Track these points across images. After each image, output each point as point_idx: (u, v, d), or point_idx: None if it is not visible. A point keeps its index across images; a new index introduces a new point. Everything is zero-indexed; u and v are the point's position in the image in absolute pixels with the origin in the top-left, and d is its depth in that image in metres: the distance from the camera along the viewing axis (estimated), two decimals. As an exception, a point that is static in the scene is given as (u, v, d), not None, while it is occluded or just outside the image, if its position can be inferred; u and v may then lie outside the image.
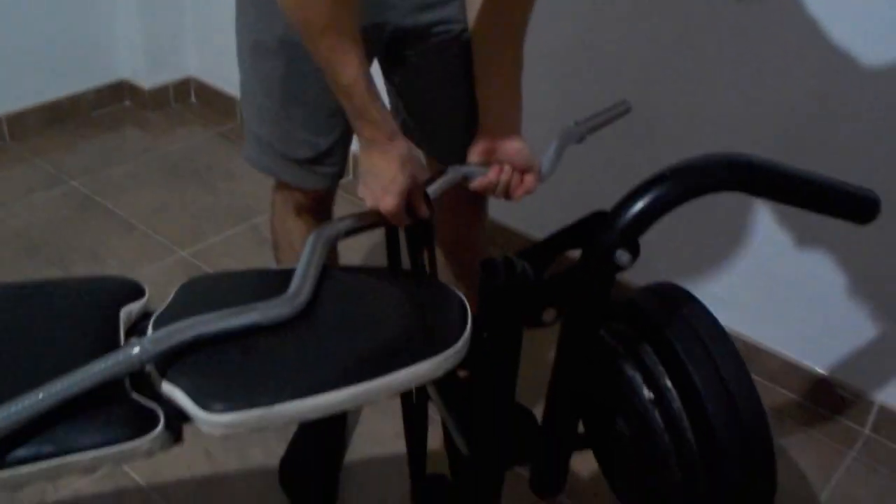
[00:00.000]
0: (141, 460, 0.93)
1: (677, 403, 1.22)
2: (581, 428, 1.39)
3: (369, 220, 1.22)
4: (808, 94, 1.68)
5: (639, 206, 1.11)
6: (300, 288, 1.06)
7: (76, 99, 2.81)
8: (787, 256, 1.82)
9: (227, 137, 2.80)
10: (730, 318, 1.92)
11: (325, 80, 1.15)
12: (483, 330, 1.13)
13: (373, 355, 1.01)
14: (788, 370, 1.91)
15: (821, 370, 1.87)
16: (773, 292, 1.87)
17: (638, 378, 1.26)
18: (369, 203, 1.20)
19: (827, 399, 1.88)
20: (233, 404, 0.94)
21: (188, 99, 3.00)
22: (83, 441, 0.88)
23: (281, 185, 1.49)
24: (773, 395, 1.92)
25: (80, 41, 2.77)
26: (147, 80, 2.88)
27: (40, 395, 0.86)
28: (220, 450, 1.69)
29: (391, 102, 1.50)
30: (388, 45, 1.36)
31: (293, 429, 1.69)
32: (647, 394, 1.24)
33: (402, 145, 1.19)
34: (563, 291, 1.15)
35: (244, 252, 2.25)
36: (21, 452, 0.86)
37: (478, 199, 1.54)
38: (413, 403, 1.40)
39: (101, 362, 0.92)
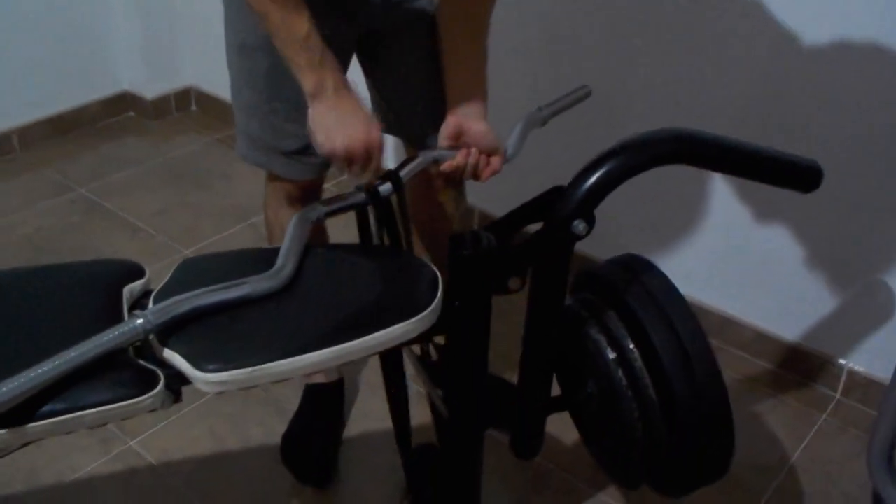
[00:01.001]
0: (143, 414, 1.03)
1: (639, 363, 1.33)
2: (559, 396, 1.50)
3: (344, 204, 1.32)
4: (758, 73, 1.78)
5: (593, 179, 1.21)
6: (285, 263, 1.17)
7: (81, 111, 2.93)
8: (754, 230, 1.93)
9: (226, 143, 2.92)
10: (703, 293, 2.04)
11: (281, 48, 1.25)
12: (454, 298, 1.24)
13: (350, 320, 1.12)
14: (761, 340, 2.01)
15: (792, 338, 1.97)
16: (743, 266, 1.97)
17: (603, 341, 1.36)
18: (356, 145, 1.27)
19: (798, 366, 1.98)
20: (225, 365, 1.04)
21: (189, 107, 3.12)
22: (93, 399, 0.99)
23: (272, 178, 1.60)
24: (746, 364, 2.02)
25: (83, 55, 2.89)
26: (148, 91, 3.01)
27: (56, 362, 0.97)
28: (224, 429, 1.80)
29: (371, 98, 1.61)
30: (364, 39, 1.47)
31: (293, 408, 1.80)
32: (611, 354, 1.35)
33: (355, 90, 1.29)
34: (526, 260, 1.26)
35: (244, 249, 2.37)
36: (39, 409, 0.97)
37: (451, 183, 1.64)
38: (393, 374, 1.51)
39: (109, 333, 1.03)
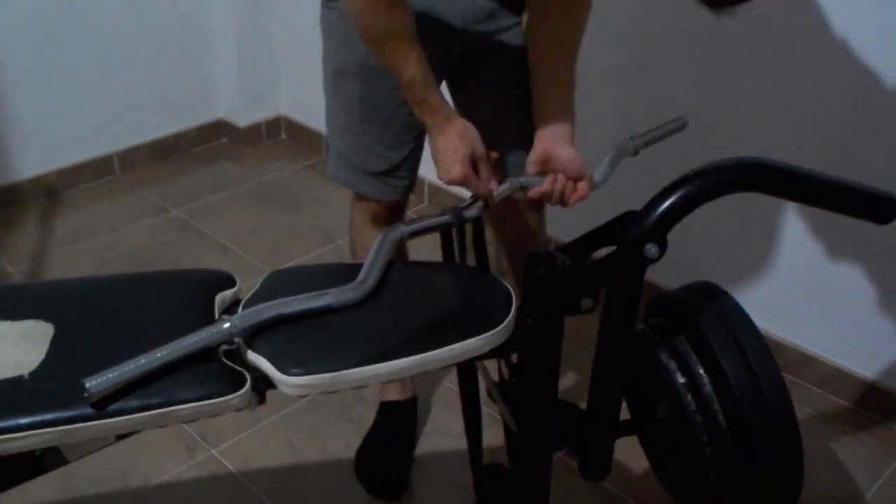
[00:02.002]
0: (227, 422, 1.10)
1: (708, 387, 1.35)
2: (627, 418, 1.52)
3: (429, 224, 1.38)
4: (843, 105, 1.79)
5: (666, 204, 1.25)
6: (367, 276, 1.23)
7: (179, 137, 3.09)
8: (834, 266, 1.92)
9: (314, 169, 3.03)
10: (781, 328, 2.03)
11: (396, 95, 1.34)
12: (528, 316, 1.28)
13: (427, 332, 1.18)
14: (838, 377, 1.99)
15: (870, 376, 1.95)
16: (822, 302, 1.96)
17: (673, 365, 1.38)
18: (443, 177, 1.36)
19: (876, 404, 1.95)
20: (308, 369, 1.11)
21: (279, 135, 3.25)
22: (186, 395, 1.06)
23: (358, 198, 1.68)
24: (824, 401, 2.00)
25: (183, 86, 3.05)
26: (242, 119, 3.15)
27: (156, 355, 1.05)
28: (302, 442, 1.87)
29: None
30: (454, 68, 1.54)
31: (369, 423, 1.86)
32: (681, 379, 1.37)
33: (460, 123, 1.36)
34: (598, 281, 1.30)
35: (327, 271, 2.45)
36: (135, 402, 1.05)
37: (536, 207, 1.69)
38: (468, 390, 1.55)
39: (199, 333, 1.11)
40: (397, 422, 1.85)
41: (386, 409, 1.86)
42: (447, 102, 1.37)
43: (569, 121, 1.47)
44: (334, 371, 1.11)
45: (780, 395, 1.32)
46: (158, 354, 1.06)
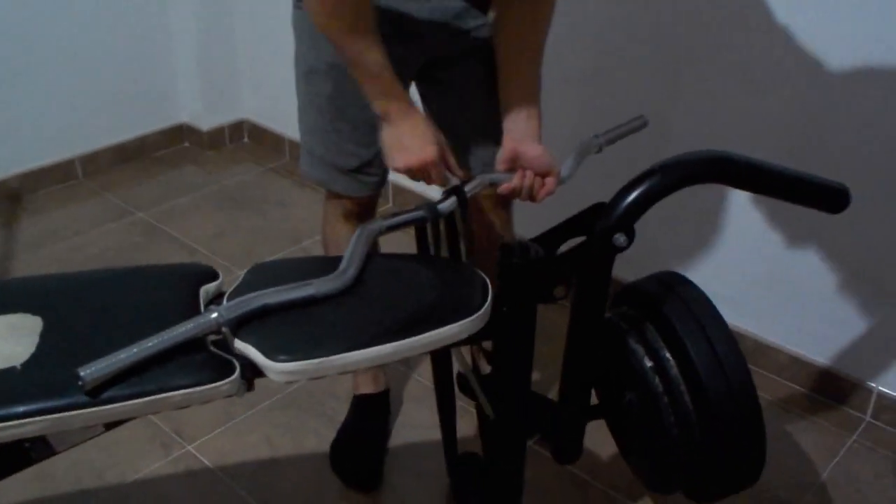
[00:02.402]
0: (222, 399, 1.14)
1: (675, 370, 1.41)
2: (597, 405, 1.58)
3: (405, 219, 1.43)
4: (795, 102, 1.88)
5: (633, 195, 1.31)
6: (347, 267, 1.27)
7: (141, 141, 3.10)
8: (787, 257, 2.01)
9: (278, 172, 3.06)
10: (738, 318, 2.11)
11: (354, 75, 1.38)
12: (503, 305, 1.33)
13: (408, 319, 1.22)
14: (794, 364, 2.07)
15: (824, 362, 2.04)
16: (776, 292, 2.05)
17: (641, 350, 1.45)
18: (414, 162, 1.39)
19: (830, 389, 2.04)
20: (294, 356, 1.14)
21: (242, 139, 3.27)
22: (177, 382, 1.09)
23: (330, 196, 1.72)
24: (780, 388, 2.08)
25: (145, 90, 3.06)
26: (205, 123, 3.16)
27: (146, 344, 1.08)
28: (278, 437, 1.90)
29: None
30: (422, 71, 1.59)
31: (342, 418, 1.90)
32: (649, 363, 1.43)
33: (422, 112, 1.41)
34: (570, 270, 1.35)
35: (295, 271, 2.48)
36: (129, 390, 1.07)
37: (503, 205, 1.74)
38: (442, 377, 1.60)
39: (188, 323, 1.14)
40: (371, 414, 1.89)
41: (359, 402, 1.90)
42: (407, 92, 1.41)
43: (535, 119, 1.53)
44: (320, 357, 1.15)
45: (742, 376, 1.39)
46: (150, 343, 1.09)
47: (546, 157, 1.49)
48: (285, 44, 3.28)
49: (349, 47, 1.35)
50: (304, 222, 2.73)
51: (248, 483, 1.78)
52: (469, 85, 1.61)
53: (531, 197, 1.52)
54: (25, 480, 1.75)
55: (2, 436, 1.04)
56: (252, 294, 1.20)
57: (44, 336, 1.15)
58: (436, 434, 1.88)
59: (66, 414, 1.05)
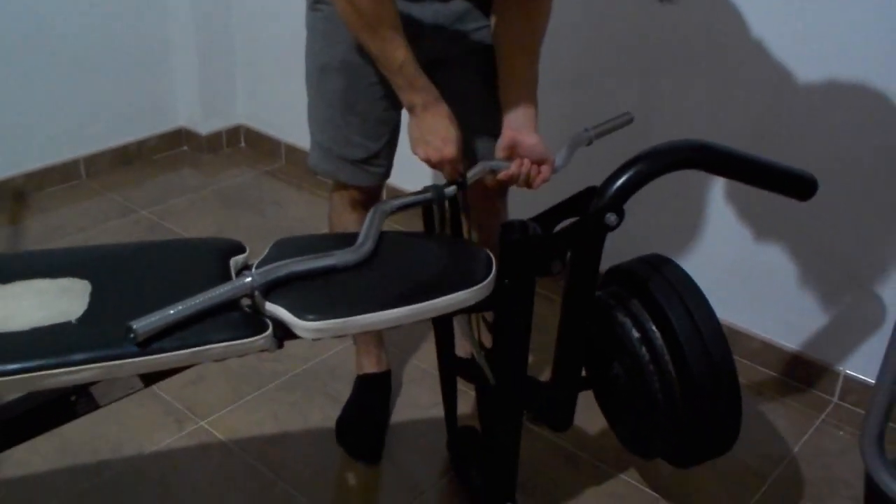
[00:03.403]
0: (258, 354, 1.26)
1: (660, 341, 1.55)
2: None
3: (414, 200, 1.56)
4: (765, 98, 2.04)
5: (622, 179, 1.45)
6: (364, 241, 1.40)
7: (142, 144, 3.21)
8: (758, 246, 2.16)
9: (274, 175, 3.18)
10: (714, 306, 2.25)
11: (375, 90, 1.51)
12: (504, 278, 1.47)
13: (421, 286, 1.35)
14: (766, 350, 2.22)
15: (794, 347, 2.19)
16: (749, 280, 2.20)
17: (628, 323, 1.58)
18: (433, 156, 1.54)
19: (800, 373, 2.19)
20: (321, 315, 1.27)
21: (238, 143, 3.39)
22: (218, 336, 1.21)
23: (337, 187, 1.84)
24: (752, 372, 2.23)
25: (146, 95, 3.18)
26: (203, 128, 3.28)
27: (190, 303, 1.20)
28: (285, 414, 2.01)
29: None
30: (425, 69, 1.72)
31: (345, 398, 2.01)
32: (636, 334, 1.57)
33: (446, 105, 1.55)
34: (565, 246, 1.49)
35: (294, 266, 2.61)
36: (175, 343, 1.19)
37: (500, 192, 1.88)
38: (445, 356, 1.73)
39: (225, 286, 1.26)
40: (374, 392, 2.01)
41: (363, 381, 2.02)
42: (432, 84, 1.55)
43: (532, 111, 1.66)
44: (345, 317, 1.28)
45: (720, 346, 1.53)
46: (195, 301, 1.21)
47: (541, 146, 1.62)
48: (281, 53, 3.43)
49: (372, 42, 1.48)
50: (300, 221, 2.85)
51: (259, 455, 1.89)
52: (468, 84, 1.74)
53: (528, 184, 1.65)
54: (46, 451, 1.85)
55: (60, 381, 1.15)
56: (280, 262, 1.33)
57: (93, 296, 1.26)
58: (434, 413, 2.01)
59: (119, 362, 1.17)
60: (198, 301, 1.22)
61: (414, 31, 1.64)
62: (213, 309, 1.24)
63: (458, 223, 1.60)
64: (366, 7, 1.44)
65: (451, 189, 1.55)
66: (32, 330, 1.18)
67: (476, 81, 1.73)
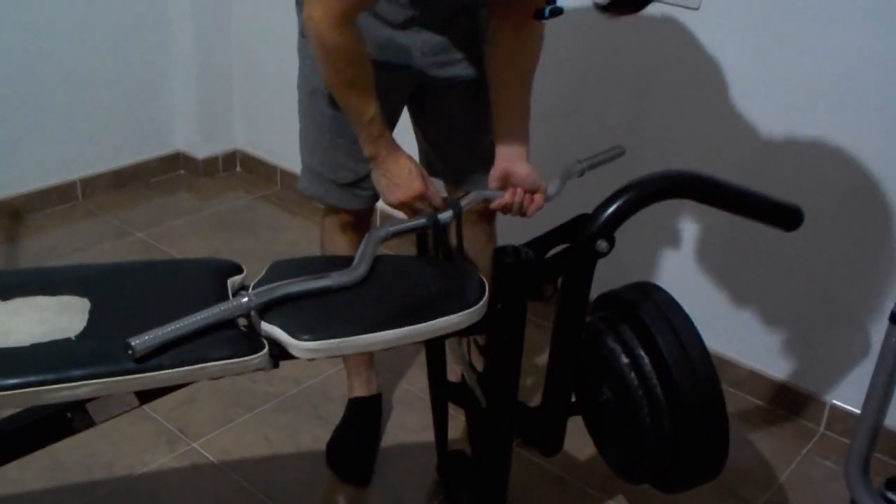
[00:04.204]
0: (254, 372, 1.28)
1: (648, 367, 1.57)
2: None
3: (409, 226, 1.58)
4: (752, 132, 2.08)
5: (613, 207, 1.48)
6: (359, 263, 1.43)
7: (138, 167, 3.24)
8: (746, 277, 2.19)
9: (269, 200, 3.21)
10: (702, 334, 2.27)
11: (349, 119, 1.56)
12: (497, 302, 1.49)
13: (415, 308, 1.38)
14: (752, 378, 2.25)
15: (780, 377, 2.21)
16: (737, 310, 2.23)
17: (618, 348, 1.61)
18: (404, 196, 1.57)
19: (787, 402, 2.21)
20: (316, 336, 1.29)
21: (234, 168, 3.42)
22: (215, 354, 1.24)
23: (328, 210, 1.87)
24: (740, 401, 2.25)
25: (144, 119, 3.22)
26: (200, 152, 3.32)
27: (188, 320, 1.22)
28: (277, 437, 2.03)
29: (419, 147, 1.89)
30: (413, 96, 1.76)
31: (336, 420, 2.03)
32: (625, 359, 1.59)
33: (405, 152, 1.60)
34: (557, 271, 1.52)
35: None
36: (172, 360, 1.21)
37: (488, 219, 1.92)
38: (436, 379, 1.75)
39: (223, 305, 1.29)
40: (364, 415, 2.02)
41: (353, 404, 2.03)
42: (392, 137, 1.60)
43: (525, 141, 1.70)
44: (340, 337, 1.30)
45: (708, 372, 1.55)
46: (192, 319, 1.23)
47: (534, 175, 1.66)
48: (279, 79, 3.47)
49: (345, 97, 1.54)
50: (294, 244, 2.88)
51: (250, 476, 1.90)
52: (455, 111, 1.78)
53: (522, 213, 1.68)
54: (38, 469, 1.86)
55: (59, 396, 1.17)
56: (277, 283, 1.35)
57: (93, 313, 1.29)
58: (424, 436, 2.03)
59: (116, 379, 1.19)
60: (195, 319, 1.24)
61: (403, 58, 1.68)
62: (211, 327, 1.26)
63: (449, 248, 1.62)
64: (344, 68, 1.50)
65: (445, 216, 1.58)
66: (32, 346, 1.20)
67: (464, 107, 1.77)
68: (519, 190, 1.66)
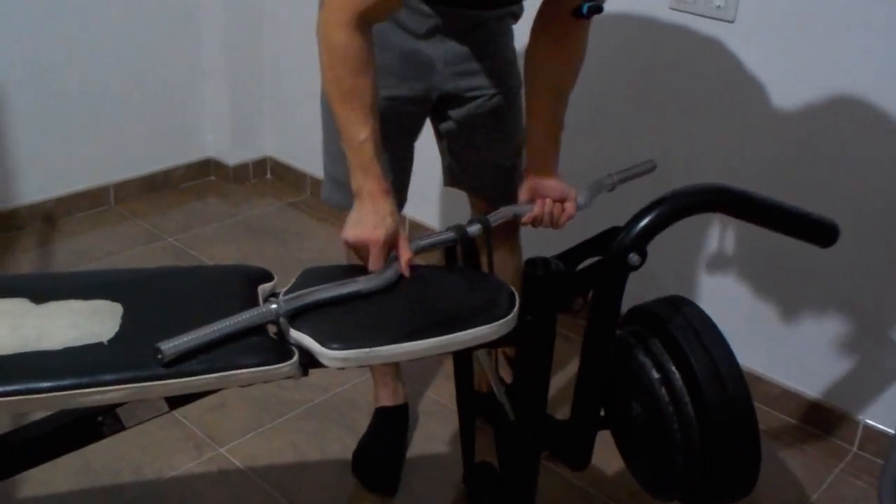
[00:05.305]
0: (283, 380, 1.28)
1: (679, 382, 1.55)
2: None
3: (438, 240, 1.57)
4: (781, 143, 2.06)
5: (646, 220, 1.47)
6: (387, 269, 1.43)
7: (170, 172, 3.26)
8: (780, 293, 2.16)
9: (298, 207, 3.22)
10: (734, 351, 2.25)
11: (341, 143, 1.45)
12: (527, 314, 1.48)
13: (445, 318, 1.37)
14: (784, 396, 2.21)
15: (813, 395, 2.18)
16: (770, 327, 2.20)
17: (648, 363, 1.59)
18: (361, 235, 1.43)
19: (819, 421, 2.18)
20: (346, 344, 1.29)
21: (265, 175, 3.44)
22: (245, 361, 1.23)
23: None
24: (771, 418, 2.22)
25: (175, 125, 3.25)
26: (230, 158, 3.34)
27: (218, 326, 1.23)
28: (304, 444, 2.03)
29: (443, 159, 1.89)
30: (435, 107, 1.75)
31: (363, 428, 2.03)
32: (656, 375, 1.57)
33: (392, 203, 1.45)
34: (587, 284, 1.50)
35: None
36: (202, 366, 1.21)
37: (511, 233, 1.91)
38: (463, 390, 1.74)
39: (253, 311, 1.29)
40: (391, 425, 2.02)
41: (380, 414, 2.03)
42: (387, 176, 1.47)
43: (555, 154, 1.68)
44: (369, 347, 1.30)
45: (740, 388, 1.53)
46: (222, 325, 1.24)
47: (562, 184, 1.65)
48: (310, 88, 3.47)
49: (341, 113, 1.43)
50: (322, 252, 2.89)
51: (276, 483, 1.91)
52: (475, 122, 1.76)
53: (553, 224, 1.67)
54: (68, 472, 1.87)
55: (90, 400, 1.18)
56: (306, 290, 1.35)
57: (125, 319, 1.29)
58: (450, 447, 2.02)
59: (147, 384, 1.19)
60: (225, 325, 1.24)
61: (424, 67, 1.68)
62: (240, 333, 1.26)
63: (477, 262, 1.61)
64: (345, 78, 1.40)
65: (474, 229, 1.57)
66: (65, 350, 1.21)
67: (484, 118, 1.76)
68: (548, 200, 1.65)
